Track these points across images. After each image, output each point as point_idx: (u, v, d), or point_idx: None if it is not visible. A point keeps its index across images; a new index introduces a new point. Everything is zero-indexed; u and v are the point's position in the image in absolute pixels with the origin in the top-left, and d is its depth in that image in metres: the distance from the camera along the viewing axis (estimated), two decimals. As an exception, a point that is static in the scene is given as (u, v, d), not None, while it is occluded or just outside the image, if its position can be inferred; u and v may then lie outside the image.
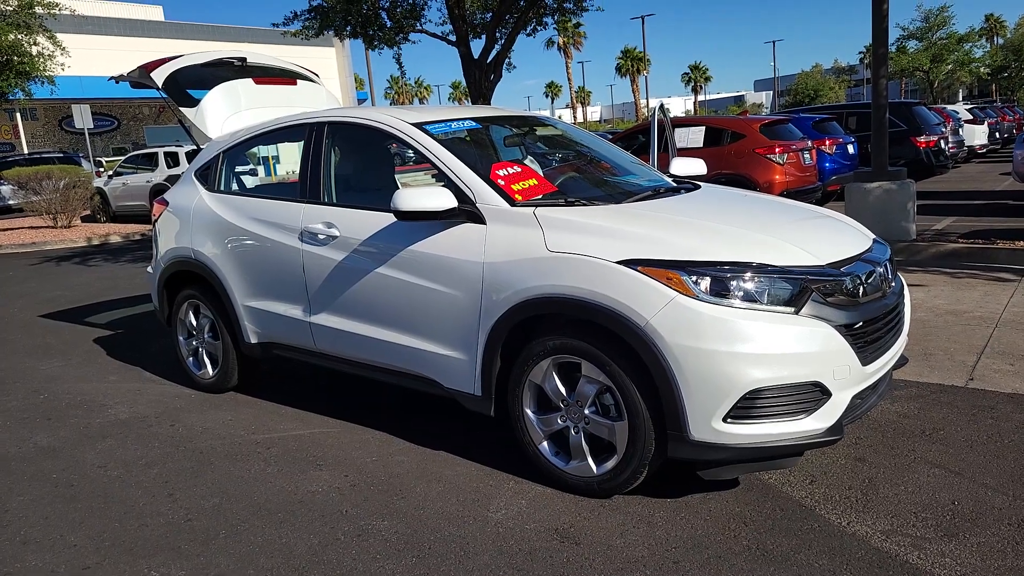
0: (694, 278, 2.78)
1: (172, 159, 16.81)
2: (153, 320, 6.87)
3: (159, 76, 5.11)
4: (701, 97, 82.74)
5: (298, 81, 5.57)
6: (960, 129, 19.07)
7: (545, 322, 3.17)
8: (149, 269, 5.20)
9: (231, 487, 3.46)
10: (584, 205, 3.35)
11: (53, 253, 13.17)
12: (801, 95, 67.36)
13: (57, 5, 17.62)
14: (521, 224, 3.23)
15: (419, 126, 3.77)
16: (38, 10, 17.22)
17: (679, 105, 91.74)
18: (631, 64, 72.87)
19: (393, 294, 3.61)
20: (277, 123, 4.46)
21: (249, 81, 5.24)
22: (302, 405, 4.50)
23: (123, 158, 19.38)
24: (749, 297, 2.77)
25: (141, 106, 34.55)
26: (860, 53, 76.78)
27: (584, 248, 2.99)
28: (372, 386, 4.70)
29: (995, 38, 62.87)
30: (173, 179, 16.27)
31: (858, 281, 2.98)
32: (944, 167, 15.21)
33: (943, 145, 14.68)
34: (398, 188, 3.87)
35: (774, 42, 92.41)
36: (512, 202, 3.34)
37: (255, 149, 4.90)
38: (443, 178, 3.54)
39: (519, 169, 3.59)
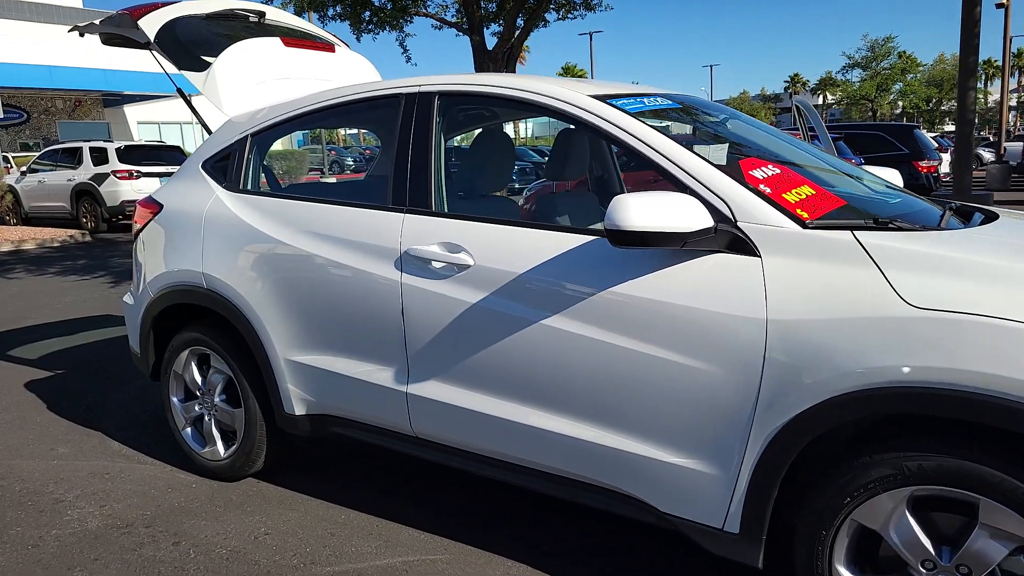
0: None
1: (99, 155, 14.73)
2: (109, 355, 5.25)
3: (149, 26, 3.62)
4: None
5: (337, 48, 4.15)
6: (931, 157, 18.95)
7: (893, 425, 1.91)
8: (127, 299, 3.67)
9: None
10: (913, 230, 2.11)
11: (-45, 260, 11.08)
12: (738, 119, 68.64)
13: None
14: (833, 259, 1.96)
15: (604, 99, 2.46)
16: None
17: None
18: (570, 81, 72.56)
19: (576, 361, 2.28)
20: (342, 95, 3.04)
21: (277, 41, 3.80)
22: (366, 506, 3.08)
23: (38, 154, 17.07)
24: None
25: (54, 99, 31.42)
26: (785, 82, 79.55)
27: (996, 307, 1.74)
28: (462, 473, 3.31)
29: (907, 74, 65.75)
30: (100, 178, 14.29)
31: None
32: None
33: (940, 171, 14.27)
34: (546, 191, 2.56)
35: (711, 66, 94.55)
36: (801, 223, 2.07)
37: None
38: (669, 180, 2.24)
39: (778, 170, 2.33)
